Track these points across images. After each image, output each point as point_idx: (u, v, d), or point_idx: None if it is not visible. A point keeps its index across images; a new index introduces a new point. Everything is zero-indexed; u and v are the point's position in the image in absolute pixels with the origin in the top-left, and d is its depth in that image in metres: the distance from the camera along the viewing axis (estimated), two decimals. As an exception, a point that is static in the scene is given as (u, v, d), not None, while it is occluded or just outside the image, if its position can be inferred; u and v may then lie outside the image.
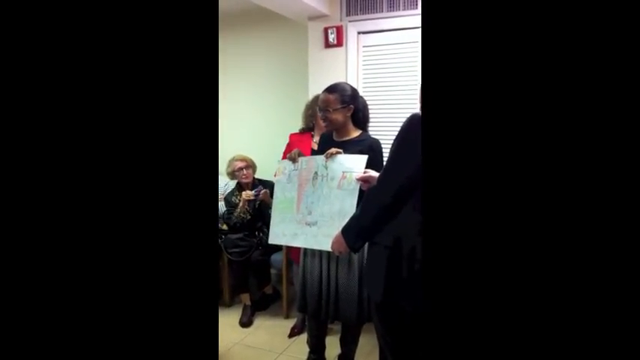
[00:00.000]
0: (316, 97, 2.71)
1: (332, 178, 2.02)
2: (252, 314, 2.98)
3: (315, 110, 2.73)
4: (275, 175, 2.29)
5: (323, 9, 2.86)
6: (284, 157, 2.37)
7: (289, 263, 2.97)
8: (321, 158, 2.06)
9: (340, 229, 1.90)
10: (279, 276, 3.06)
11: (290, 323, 2.84)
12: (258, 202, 2.99)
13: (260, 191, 2.98)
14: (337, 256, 2.01)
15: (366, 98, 2.82)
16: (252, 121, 3.74)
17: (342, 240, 1.69)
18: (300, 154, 2.20)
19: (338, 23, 2.90)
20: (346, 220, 1.90)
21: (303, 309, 2.20)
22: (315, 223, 2.06)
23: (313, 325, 2.27)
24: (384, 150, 2.04)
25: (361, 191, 1.93)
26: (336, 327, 2.50)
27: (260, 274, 3.07)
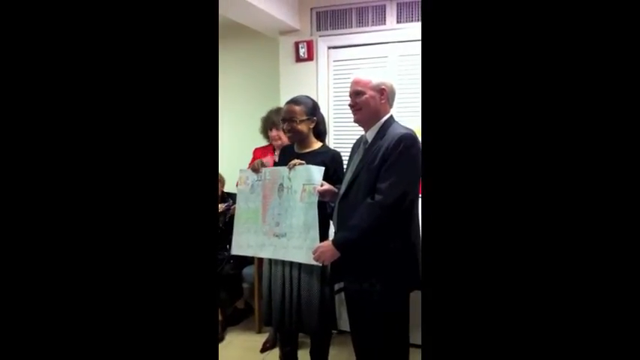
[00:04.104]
0: (268, 119, 2.81)
1: (295, 191, 2.03)
2: (224, 329, 2.94)
3: (266, 122, 2.81)
4: (237, 185, 2.29)
5: (294, 24, 2.90)
6: None
7: (261, 277, 2.95)
8: (285, 169, 2.07)
9: (309, 240, 1.94)
10: (251, 290, 3.03)
11: (262, 338, 2.81)
12: (228, 216, 2.97)
13: (231, 206, 2.97)
14: (300, 264, 2.03)
15: (336, 112, 2.89)
16: (222, 135, 3.69)
17: (333, 251, 1.77)
18: (262, 165, 2.21)
19: (308, 38, 2.94)
20: (311, 232, 1.94)
21: (268, 322, 2.19)
22: (284, 235, 2.06)
23: (283, 338, 2.26)
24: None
25: (320, 203, 1.96)
26: (309, 340, 2.48)
27: (231, 289, 3.03)
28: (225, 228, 2.97)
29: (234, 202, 2.96)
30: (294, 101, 2.10)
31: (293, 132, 2.08)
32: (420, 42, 1.02)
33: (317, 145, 2.14)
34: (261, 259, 2.54)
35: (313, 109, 2.11)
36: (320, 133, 2.17)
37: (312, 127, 2.11)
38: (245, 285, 3.10)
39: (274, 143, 2.79)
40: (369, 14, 2.80)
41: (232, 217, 2.92)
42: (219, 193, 3.07)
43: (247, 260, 2.96)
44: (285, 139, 2.54)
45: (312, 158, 2.05)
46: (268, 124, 2.82)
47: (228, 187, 3.14)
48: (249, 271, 3.03)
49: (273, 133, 2.75)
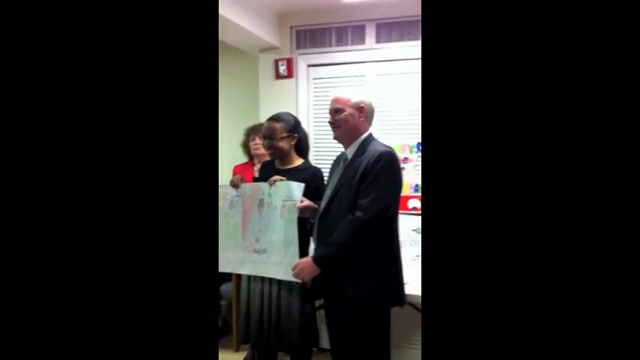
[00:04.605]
0: (251, 129, 2.82)
1: (275, 207, 2.04)
2: (201, 348, 2.89)
3: (250, 130, 2.83)
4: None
5: (274, 41, 2.93)
6: None
7: (239, 294, 2.91)
8: (265, 185, 2.08)
9: (288, 257, 1.94)
10: (229, 307, 2.99)
11: (240, 356, 2.77)
12: None
13: None
14: (279, 280, 2.02)
15: (316, 129, 2.92)
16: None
17: (312, 267, 1.75)
18: (242, 180, 2.21)
19: (288, 55, 2.98)
20: (291, 248, 1.95)
21: (246, 339, 2.17)
22: (264, 251, 2.06)
23: (261, 356, 2.24)
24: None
25: (300, 219, 1.98)
26: (288, 358, 2.46)
27: (209, 306, 2.99)
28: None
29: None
30: (274, 118, 2.11)
31: (273, 149, 2.10)
32: (420, 49, 1.05)
33: (298, 161, 2.15)
34: (239, 276, 2.52)
35: (294, 126, 2.12)
36: (302, 149, 2.18)
37: (293, 143, 2.12)
38: (223, 302, 3.06)
39: (254, 152, 2.79)
40: (349, 34, 2.86)
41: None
42: None
43: (225, 277, 2.93)
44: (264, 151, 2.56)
45: (292, 175, 2.06)
46: (251, 132, 2.83)
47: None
48: (226, 287, 3.00)
49: (256, 140, 2.74)
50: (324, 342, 2.24)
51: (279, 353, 2.28)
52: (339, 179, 1.81)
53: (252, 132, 2.83)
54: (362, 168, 1.71)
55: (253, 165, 2.84)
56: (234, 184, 2.21)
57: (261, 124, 2.77)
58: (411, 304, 2.06)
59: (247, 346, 2.69)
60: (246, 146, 2.92)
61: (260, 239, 2.08)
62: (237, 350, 2.89)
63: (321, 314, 2.09)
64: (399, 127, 2.74)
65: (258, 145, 2.72)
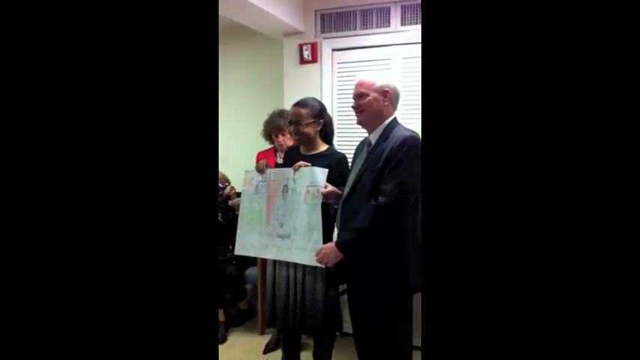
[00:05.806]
0: (275, 115, 2.79)
1: (299, 193, 2.04)
2: (227, 330, 2.95)
3: (271, 127, 2.79)
4: (243, 185, 2.30)
5: (298, 26, 2.90)
6: None
7: (264, 278, 2.95)
8: (290, 171, 2.08)
9: (312, 242, 1.95)
10: (254, 291, 3.04)
11: (265, 339, 2.82)
12: (224, 198, 2.95)
13: (226, 186, 2.95)
14: (304, 265, 2.03)
15: (340, 114, 2.89)
16: (226, 136, 3.72)
17: (335, 253, 1.76)
18: (267, 166, 2.22)
19: (313, 40, 2.95)
20: (315, 234, 1.95)
21: (272, 323, 2.19)
22: (287, 236, 2.07)
23: (285, 339, 2.26)
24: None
25: (324, 204, 1.98)
26: (311, 342, 2.49)
27: (234, 290, 3.04)
28: (225, 224, 2.96)
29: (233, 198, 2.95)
30: (300, 104, 2.10)
31: (299, 135, 2.09)
32: (421, 44, 1.03)
33: (323, 147, 2.14)
34: (264, 260, 2.55)
35: (320, 112, 2.11)
36: (326, 135, 2.17)
37: (318, 129, 2.11)
38: (248, 286, 3.10)
39: (279, 147, 2.78)
40: (374, 16, 2.81)
41: (235, 214, 2.92)
42: (233, 192, 3.02)
43: (250, 261, 2.97)
44: (290, 144, 2.55)
45: (317, 160, 2.06)
46: (272, 129, 2.79)
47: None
48: (252, 272, 3.04)
49: (279, 139, 2.72)
50: (348, 326, 2.25)
51: (303, 337, 2.31)
52: (363, 165, 1.79)
53: (272, 129, 2.78)
54: (385, 153, 1.69)
55: (276, 152, 2.84)
56: (260, 170, 2.22)
57: (280, 113, 2.75)
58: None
59: (272, 329, 2.73)
60: (268, 137, 2.90)
61: (284, 224, 2.09)
62: (262, 333, 2.94)
63: (344, 299, 2.10)
64: (425, 112, 2.68)
65: (282, 143, 2.71)
